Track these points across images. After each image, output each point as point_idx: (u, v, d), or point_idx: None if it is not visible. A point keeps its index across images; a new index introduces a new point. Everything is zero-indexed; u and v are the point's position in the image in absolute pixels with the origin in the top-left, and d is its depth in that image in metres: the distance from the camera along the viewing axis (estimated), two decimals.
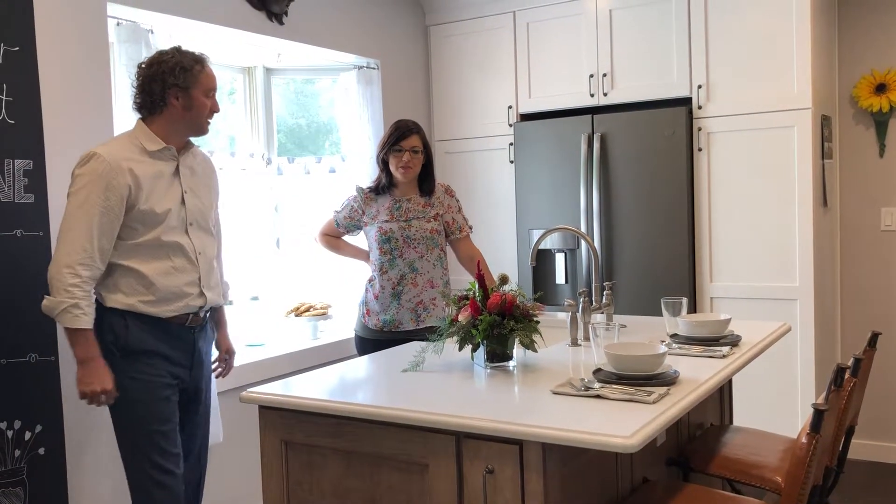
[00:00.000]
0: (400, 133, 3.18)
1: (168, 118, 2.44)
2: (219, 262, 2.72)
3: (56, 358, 2.56)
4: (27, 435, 2.49)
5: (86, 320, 2.28)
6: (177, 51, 2.46)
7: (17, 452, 2.46)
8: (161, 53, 2.46)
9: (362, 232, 3.34)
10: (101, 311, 2.37)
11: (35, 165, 2.53)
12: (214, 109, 2.51)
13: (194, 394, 2.57)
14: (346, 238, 3.43)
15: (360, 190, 3.32)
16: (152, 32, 3.06)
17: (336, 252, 3.45)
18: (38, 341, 2.52)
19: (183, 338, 2.47)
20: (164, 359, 2.42)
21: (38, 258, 2.51)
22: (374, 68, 4.20)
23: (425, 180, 3.26)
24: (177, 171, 2.47)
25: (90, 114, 2.85)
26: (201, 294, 2.50)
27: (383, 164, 3.23)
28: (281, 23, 3.62)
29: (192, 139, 2.56)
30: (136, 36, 2.99)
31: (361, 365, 2.44)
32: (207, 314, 2.60)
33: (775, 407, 3.73)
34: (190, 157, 2.54)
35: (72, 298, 2.24)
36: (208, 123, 2.52)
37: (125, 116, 2.98)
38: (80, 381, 2.31)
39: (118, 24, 2.98)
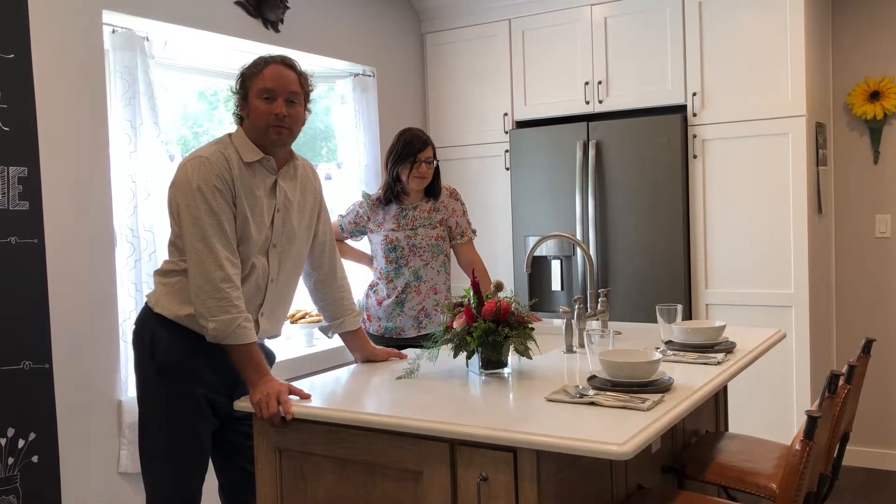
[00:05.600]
0: (414, 146, 3.15)
1: (247, 129, 2.23)
2: (335, 276, 2.50)
3: (50, 366, 2.55)
4: (21, 443, 2.48)
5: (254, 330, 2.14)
6: (256, 57, 2.24)
7: (11, 460, 2.45)
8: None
9: (365, 237, 3.34)
10: (147, 315, 2.25)
11: (30, 172, 2.52)
12: (274, 113, 2.15)
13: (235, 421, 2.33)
14: (349, 242, 3.42)
15: (366, 196, 3.31)
16: (148, 40, 3.07)
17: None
18: (32, 349, 2.51)
19: (226, 363, 2.18)
20: (201, 382, 2.21)
21: (32, 265, 2.50)
22: (370, 76, 4.20)
23: (431, 186, 3.26)
24: (274, 188, 2.25)
25: (85, 121, 2.85)
26: (256, 322, 2.25)
27: (393, 173, 3.20)
28: (277, 30, 3.63)
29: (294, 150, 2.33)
30: (131, 43, 3.00)
31: (356, 372, 2.43)
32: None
33: (770, 414, 3.74)
34: (291, 172, 2.31)
35: (239, 311, 2.10)
36: (273, 132, 2.17)
37: (119, 122, 2.99)
38: (258, 403, 2.04)
39: (113, 31, 2.98)
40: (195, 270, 2.11)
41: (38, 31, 2.64)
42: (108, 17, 2.94)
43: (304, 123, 2.29)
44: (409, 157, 3.14)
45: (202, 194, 2.10)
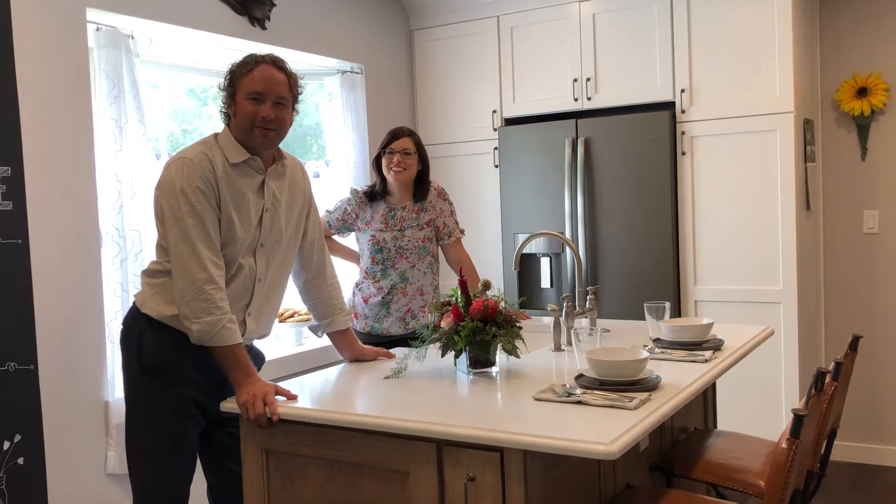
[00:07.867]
0: (391, 136, 3.20)
1: (233, 128, 2.22)
2: (324, 275, 2.48)
3: (35, 367, 2.53)
4: (6, 445, 2.46)
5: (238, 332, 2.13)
6: (245, 55, 2.21)
7: None
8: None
9: (352, 234, 3.34)
10: (135, 315, 2.23)
11: (13, 172, 2.50)
12: (261, 115, 2.14)
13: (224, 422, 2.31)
14: (336, 238, 3.41)
15: (354, 192, 3.31)
16: (132, 38, 3.04)
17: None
18: (17, 350, 2.49)
19: (214, 363, 2.16)
20: (188, 383, 2.20)
21: (17, 266, 2.48)
22: (358, 73, 4.19)
23: (419, 187, 3.26)
24: (262, 187, 2.23)
25: (69, 120, 2.82)
26: (243, 322, 2.25)
27: (377, 169, 3.24)
28: (263, 28, 3.61)
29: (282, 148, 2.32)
30: (115, 41, 2.97)
31: (344, 372, 2.42)
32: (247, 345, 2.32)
33: (759, 410, 3.75)
34: (279, 170, 2.29)
35: (223, 313, 2.08)
36: (258, 134, 2.16)
37: (104, 121, 2.96)
38: (244, 404, 2.03)
39: (98, 29, 2.96)
40: (179, 272, 2.10)
41: (22, 29, 2.62)
42: (92, 14, 2.92)
43: (291, 125, 2.27)
44: (385, 148, 3.18)
45: (185, 196, 2.09)
